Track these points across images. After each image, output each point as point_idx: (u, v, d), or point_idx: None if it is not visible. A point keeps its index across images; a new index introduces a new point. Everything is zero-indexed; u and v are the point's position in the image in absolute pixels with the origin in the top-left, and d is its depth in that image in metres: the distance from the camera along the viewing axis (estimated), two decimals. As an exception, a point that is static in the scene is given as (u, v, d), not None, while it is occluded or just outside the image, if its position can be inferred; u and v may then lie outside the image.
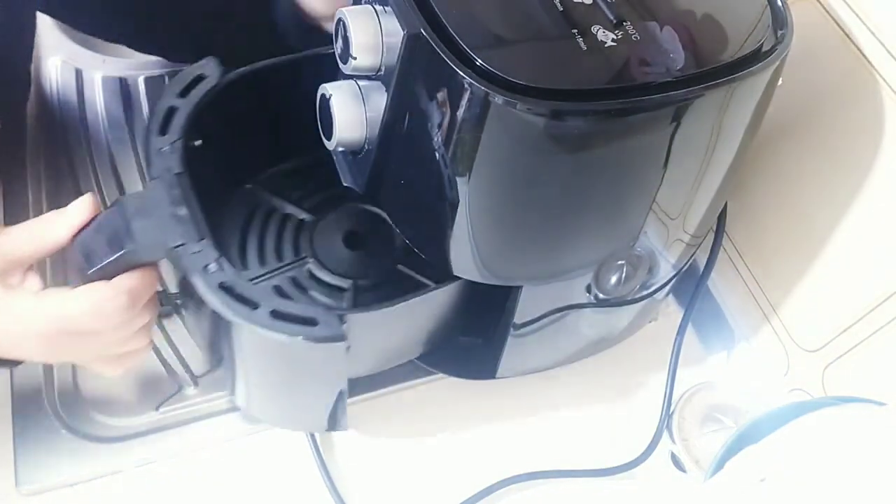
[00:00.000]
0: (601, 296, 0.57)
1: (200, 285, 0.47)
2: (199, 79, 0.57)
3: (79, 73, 0.82)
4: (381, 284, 0.63)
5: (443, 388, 0.66)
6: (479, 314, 0.60)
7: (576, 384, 0.68)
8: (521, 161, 0.45)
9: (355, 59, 0.46)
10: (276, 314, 0.47)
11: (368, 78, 0.49)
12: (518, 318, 0.56)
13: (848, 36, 0.54)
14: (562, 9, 0.44)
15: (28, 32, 0.68)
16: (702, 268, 0.65)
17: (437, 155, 0.46)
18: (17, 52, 0.69)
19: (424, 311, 0.56)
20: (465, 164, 0.45)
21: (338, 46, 0.48)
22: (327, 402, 0.57)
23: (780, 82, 0.48)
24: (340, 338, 0.48)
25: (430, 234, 0.51)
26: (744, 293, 0.68)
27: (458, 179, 0.46)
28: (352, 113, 0.49)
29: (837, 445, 0.48)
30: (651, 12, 0.45)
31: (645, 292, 0.60)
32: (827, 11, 0.55)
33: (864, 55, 0.53)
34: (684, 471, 0.64)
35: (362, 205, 0.67)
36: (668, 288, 0.62)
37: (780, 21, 0.47)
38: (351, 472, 0.61)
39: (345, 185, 0.55)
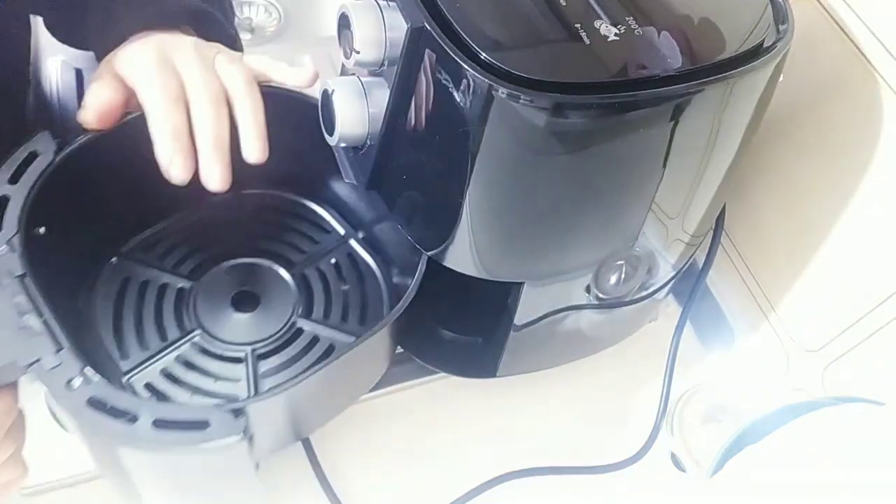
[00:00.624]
0: (601, 296, 0.57)
1: (66, 406, 0.41)
2: (32, 157, 0.50)
3: (79, 73, 0.82)
4: (282, 346, 0.58)
5: (443, 386, 0.66)
6: (480, 313, 0.60)
7: (576, 383, 0.68)
8: (524, 155, 0.45)
9: (358, 53, 0.46)
10: (161, 423, 0.41)
11: (371, 73, 0.49)
12: (518, 318, 0.56)
13: (848, 35, 0.54)
14: (565, 3, 0.44)
15: (25, 31, 0.68)
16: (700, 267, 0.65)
17: (439, 149, 0.47)
18: (15, 52, 0.69)
19: (342, 371, 0.50)
20: (467, 158, 0.45)
21: (341, 40, 0.48)
22: (248, 497, 0.52)
23: (780, 78, 0.48)
24: (239, 433, 0.42)
25: (432, 229, 0.51)
26: (743, 293, 0.68)
27: (460, 174, 0.46)
28: (354, 109, 0.49)
29: (837, 445, 0.48)
30: (653, 8, 0.46)
31: (644, 292, 0.60)
32: (826, 11, 0.56)
33: (863, 55, 0.53)
34: (684, 470, 0.64)
35: (245, 259, 0.62)
36: (667, 288, 0.62)
37: (781, 17, 0.48)
38: (350, 472, 0.61)
39: (346, 181, 0.55)
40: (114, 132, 0.53)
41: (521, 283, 0.53)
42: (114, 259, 0.60)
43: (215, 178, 0.50)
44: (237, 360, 0.57)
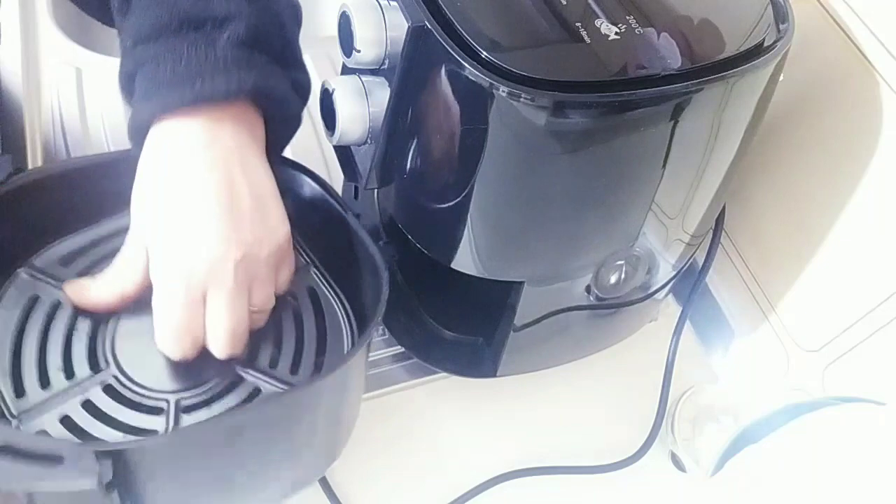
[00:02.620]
0: (601, 296, 0.57)
1: None
2: None
3: (79, 73, 0.82)
4: (215, 398, 0.47)
5: (444, 386, 0.66)
6: (480, 313, 0.60)
7: (576, 382, 0.68)
8: (525, 154, 0.45)
9: (359, 52, 0.46)
10: (7, 451, 0.36)
11: (371, 72, 0.49)
12: (518, 318, 0.56)
13: (848, 36, 0.54)
14: (565, 2, 0.44)
15: None
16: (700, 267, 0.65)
17: (440, 148, 0.47)
18: None
19: (255, 430, 0.43)
20: (468, 156, 0.45)
21: (342, 39, 0.48)
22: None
23: (780, 78, 0.48)
24: (93, 478, 0.36)
25: (432, 227, 0.51)
26: (743, 293, 0.68)
27: (460, 173, 0.46)
28: (354, 107, 0.49)
29: (837, 445, 0.48)
30: (654, 7, 0.46)
31: (644, 292, 0.60)
32: (826, 11, 0.56)
33: (863, 55, 0.53)
34: (684, 470, 0.64)
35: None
36: (667, 288, 0.62)
37: (781, 16, 0.48)
38: (350, 471, 0.61)
39: (346, 180, 0.55)
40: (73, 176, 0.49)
41: (521, 283, 0.53)
42: (22, 270, 0.50)
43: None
44: (156, 411, 0.46)
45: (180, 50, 0.44)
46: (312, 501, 0.59)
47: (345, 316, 0.54)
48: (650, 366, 0.67)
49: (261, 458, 0.46)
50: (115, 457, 0.37)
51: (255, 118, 0.47)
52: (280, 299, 0.51)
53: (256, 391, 0.48)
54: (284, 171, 0.53)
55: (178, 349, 0.46)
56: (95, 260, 0.51)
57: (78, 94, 0.80)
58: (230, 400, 0.48)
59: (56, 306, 0.49)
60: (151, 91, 0.44)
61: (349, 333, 0.54)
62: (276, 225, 0.47)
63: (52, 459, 0.36)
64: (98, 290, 0.48)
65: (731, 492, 0.50)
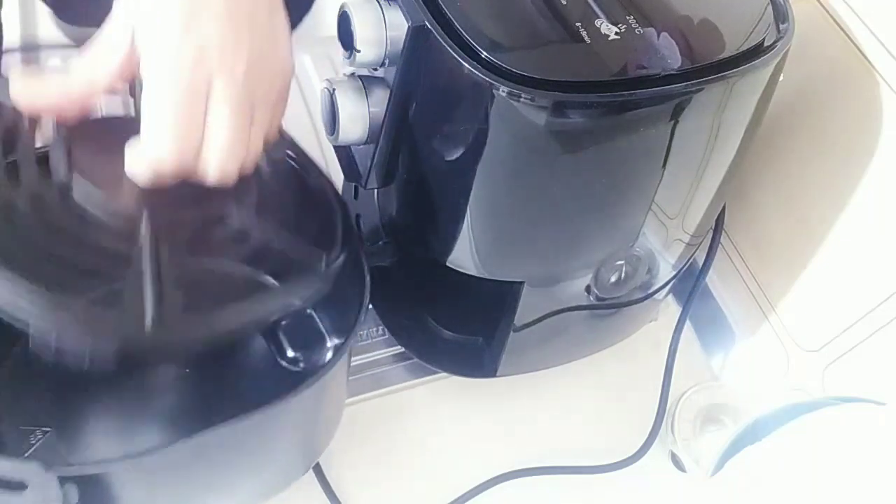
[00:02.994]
0: (601, 296, 0.57)
1: None
2: None
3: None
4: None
5: (444, 386, 0.66)
6: (480, 313, 0.60)
7: (576, 382, 0.68)
8: (525, 154, 0.45)
9: (359, 51, 0.46)
10: None
11: (371, 73, 0.49)
12: (518, 318, 0.56)
13: (848, 35, 0.54)
14: (565, 2, 0.44)
15: None
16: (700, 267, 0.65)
17: (440, 148, 0.47)
18: None
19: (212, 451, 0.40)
20: (468, 156, 0.45)
21: (342, 39, 0.48)
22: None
23: (781, 78, 0.48)
24: None
25: (432, 227, 0.51)
26: (743, 293, 0.68)
27: (460, 173, 0.46)
28: (354, 108, 0.49)
29: (837, 445, 0.48)
30: (654, 7, 0.46)
31: (644, 292, 0.60)
32: (826, 11, 0.56)
33: (863, 55, 0.53)
34: (684, 470, 0.64)
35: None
36: (667, 288, 0.62)
37: (781, 16, 0.48)
38: (349, 471, 0.61)
39: (346, 179, 0.55)
40: None
41: (521, 283, 0.53)
42: None
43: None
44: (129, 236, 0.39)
45: None
46: (312, 501, 0.59)
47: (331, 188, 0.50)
48: (650, 366, 0.67)
49: (232, 472, 0.44)
50: (81, 481, 0.35)
51: None
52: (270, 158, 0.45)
53: (244, 235, 0.43)
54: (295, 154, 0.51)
55: (174, 151, 0.38)
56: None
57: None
58: (217, 237, 0.42)
59: None
60: None
61: (338, 202, 0.49)
62: (284, 53, 0.43)
63: (14, 486, 0.34)
64: (60, 81, 0.40)
65: (731, 492, 0.50)
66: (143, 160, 0.38)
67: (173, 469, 0.40)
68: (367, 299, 0.47)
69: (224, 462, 0.42)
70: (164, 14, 0.37)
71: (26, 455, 0.41)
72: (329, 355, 0.51)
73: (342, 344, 0.44)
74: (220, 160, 0.39)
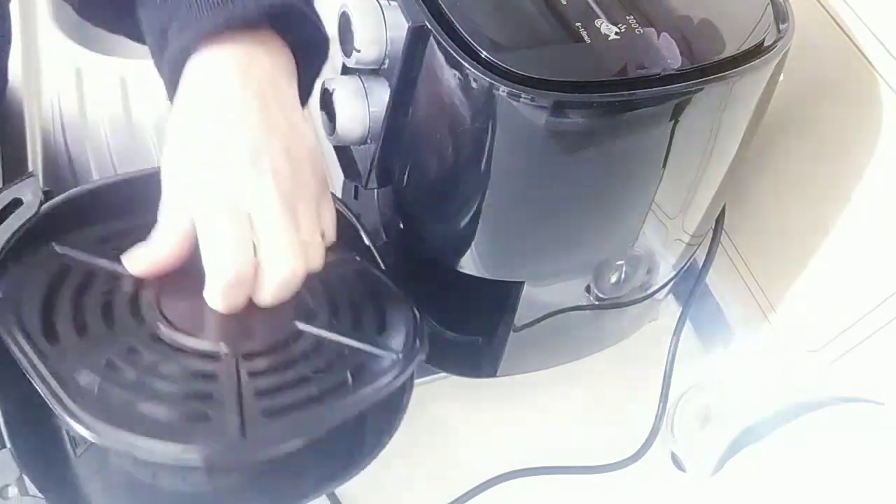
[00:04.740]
0: (601, 296, 0.57)
1: None
2: (16, 204, 0.44)
3: (79, 73, 0.82)
4: (278, 346, 0.45)
5: (444, 386, 0.66)
6: (480, 313, 0.60)
7: (576, 382, 0.68)
8: (525, 154, 0.45)
9: (359, 52, 0.46)
10: None
11: (371, 72, 0.49)
12: (518, 318, 0.56)
13: (848, 36, 0.54)
14: (565, 2, 0.44)
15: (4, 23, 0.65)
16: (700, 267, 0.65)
17: (440, 149, 0.47)
18: None
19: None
20: (468, 156, 0.45)
21: (342, 39, 0.48)
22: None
23: (780, 78, 0.48)
24: None
25: (432, 227, 0.51)
26: (743, 293, 0.68)
27: (460, 173, 0.46)
28: (354, 108, 0.49)
29: (837, 445, 0.48)
30: (654, 7, 0.46)
31: (644, 292, 0.60)
32: (826, 11, 0.56)
33: (863, 55, 0.53)
34: (684, 470, 0.64)
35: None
36: (667, 288, 0.62)
37: (781, 16, 0.48)
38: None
39: (346, 179, 0.55)
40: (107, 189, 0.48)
41: (521, 283, 0.53)
42: (55, 244, 0.46)
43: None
44: (213, 356, 0.43)
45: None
46: (311, 502, 0.59)
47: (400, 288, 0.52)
48: (650, 366, 0.67)
49: None
50: None
51: (285, 48, 0.46)
52: (326, 268, 0.47)
53: (318, 343, 0.46)
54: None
55: (232, 268, 0.41)
56: (133, 241, 0.46)
57: (78, 94, 0.80)
58: (291, 351, 0.45)
59: (90, 275, 0.45)
60: (184, 26, 0.43)
61: (407, 302, 0.51)
62: (312, 153, 0.45)
63: None
64: (146, 252, 0.44)
65: (731, 492, 0.50)
66: (213, 291, 0.42)
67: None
68: (409, 395, 0.49)
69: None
70: (191, 175, 0.42)
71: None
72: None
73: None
74: (276, 269, 0.42)
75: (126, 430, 0.38)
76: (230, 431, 0.39)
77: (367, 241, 0.52)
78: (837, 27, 0.55)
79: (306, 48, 0.47)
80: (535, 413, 0.66)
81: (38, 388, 0.37)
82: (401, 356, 0.47)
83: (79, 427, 0.37)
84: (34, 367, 0.39)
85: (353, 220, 0.53)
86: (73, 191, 0.47)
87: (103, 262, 0.45)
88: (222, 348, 0.43)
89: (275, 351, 0.44)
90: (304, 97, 0.48)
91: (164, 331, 0.43)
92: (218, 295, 0.42)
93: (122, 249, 0.45)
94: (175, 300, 0.44)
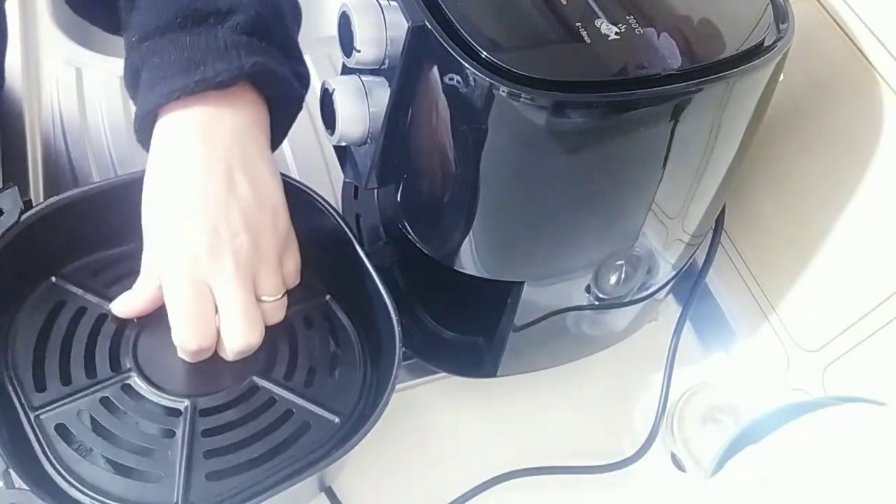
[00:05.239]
0: (601, 296, 0.57)
1: None
2: None
3: (79, 73, 0.82)
4: (232, 403, 0.50)
5: (444, 386, 0.66)
6: (480, 313, 0.60)
7: (576, 383, 0.68)
8: (525, 154, 0.45)
9: (359, 52, 0.46)
10: None
11: (371, 72, 0.49)
12: (518, 318, 0.56)
13: (848, 35, 0.54)
14: (565, 2, 0.44)
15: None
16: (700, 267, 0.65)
17: (440, 148, 0.47)
18: None
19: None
20: (468, 157, 0.45)
21: (342, 39, 0.48)
22: None
23: (781, 77, 0.48)
24: None
25: (432, 228, 0.51)
26: (743, 293, 0.68)
27: (460, 173, 0.46)
28: (354, 107, 0.49)
29: (837, 445, 0.48)
30: (654, 7, 0.46)
31: (644, 293, 0.60)
32: (826, 11, 0.56)
33: (863, 55, 0.53)
34: (684, 470, 0.64)
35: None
36: (667, 288, 0.62)
37: (781, 16, 0.48)
38: (349, 471, 0.61)
39: (346, 179, 0.55)
40: (85, 198, 0.52)
41: (521, 283, 0.53)
42: (53, 278, 0.53)
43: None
44: (174, 412, 0.49)
45: (183, 41, 0.46)
46: (311, 502, 0.59)
47: (358, 343, 0.57)
48: (650, 366, 0.67)
49: None
50: None
51: (257, 100, 0.48)
52: (294, 315, 0.53)
53: (272, 401, 0.51)
54: (305, 201, 0.55)
55: (193, 341, 0.46)
56: (125, 272, 0.53)
57: (78, 94, 0.80)
58: (245, 407, 0.50)
59: (81, 312, 0.51)
60: (156, 80, 0.46)
61: (362, 360, 0.56)
62: (275, 212, 0.49)
63: None
64: (128, 300, 0.50)
65: (731, 492, 0.50)
66: (180, 353, 0.48)
67: None
68: (394, 379, 0.51)
69: None
70: (158, 239, 0.47)
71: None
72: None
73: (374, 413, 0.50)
74: (235, 333, 0.47)
75: (68, 485, 0.44)
76: (170, 498, 0.45)
77: (361, 254, 0.54)
78: (837, 27, 0.55)
79: (279, 102, 0.50)
80: (535, 413, 0.66)
81: None
82: (342, 420, 0.52)
83: (18, 477, 0.42)
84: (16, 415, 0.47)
85: (343, 223, 0.56)
86: (51, 202, 0.51)
87: (94, 299, 0.52)
88: (184, 404, 0.49)
89: (232, 406, 0.50)
90: (276, 143, 0.52)
91: (136, 381, 0.49)
92: (185, 356, 0.48)
93: (113, 282, 0.53)
94: (150, 349, 0.50)
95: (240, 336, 0.47)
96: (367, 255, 0.54)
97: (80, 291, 0.52)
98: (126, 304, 0.50)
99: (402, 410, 0.65)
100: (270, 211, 0.48)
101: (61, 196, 0.51)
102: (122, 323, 0.51)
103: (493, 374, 0.62)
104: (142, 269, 0.49)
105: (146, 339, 0.50)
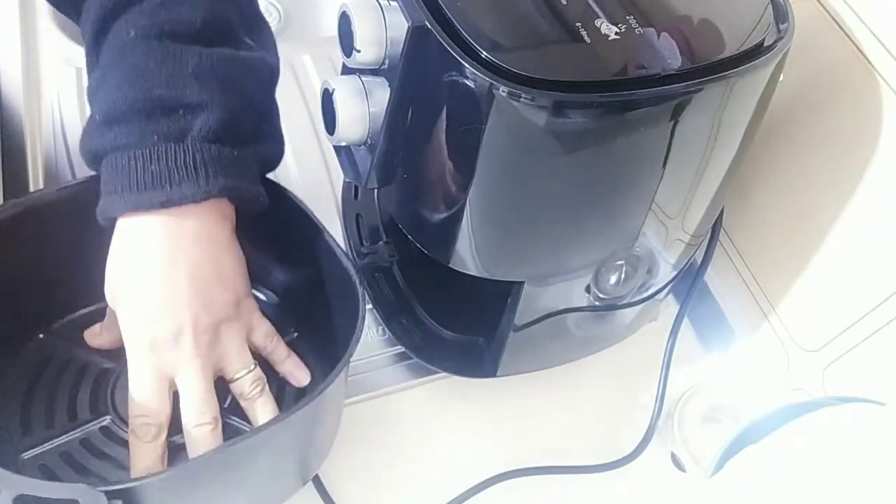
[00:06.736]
0: (601, 296, 0.57)
1: None
2: None
3: (79, 73, 0.82)
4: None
5: (443, 386, 0.66)
6: (480, 313, 0.60)
7: (576, 383, 0.68)
8: (525, 154, 0.45)
9: (359, 52, 0.46)
10: (22, 500, 0.39)
11: (371, 72, 0.49)
12: (518, 318, 0.56)
13: (848, 35, 0.54)
14: (565, 2, 0.44)
15: None
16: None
17: (440, 148, 0.47)
18: None
19: (240, 461, 0.47)
20: (468, 157, 0.45)
21: (342, 39, 0.48)
22: None
23: (781, 77, 0.48)
24: None
25: (432, 227, 0.51)
26: (743, 292, 0.68)
27: (460, 173, 0.46)
28: (354, 108, 0.49)
29: (837, 445, 0.48)
30: (654, 7, 0.46)
31: (644, 294, 0.60)
32: (826, 11, 0.56)
33: (863, 55, 0.53)
34: (684, 470, 0.64)
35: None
36: (667, 289, 0.62)
37: (781, 16, 0.48)
38: (347, 471, 0.61)
39: (346, 179, 0.55)
40: (54, 203, 0.53)
41: (521, 283, 0.53)
42: (41, 335, 0.57)
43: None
44: None
45: (150, 142, 0.45)
46: (310, 502, 0.59)
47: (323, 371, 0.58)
48: (650, 366, 0.67)
49: (232, 491, 0.50)
50: (125, 496, 0.41)
51: (223, 202, 0.49)
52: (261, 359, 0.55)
53: (238, 432, 0.53)
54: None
55: (152, 410, 0.49)
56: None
57: (78, 94, 0.80)
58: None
59: (66, 363, 0.56)
60: (123, 187, 0.46)
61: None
62: (238, 303, 0.51)
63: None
64: (99, 336, 0.56)
65: (731, 492, 0.50)
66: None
67: (205, 479, 0.46)
68: (361, 323, 0.50)
69: (226, 482, 0.48)
70: (122, 324, 0.49)
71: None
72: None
73: (336, 366, 0.48)
74: (193, 426, 0.49)
75: None
76: None
77: (347, 268, 0.54)
78: (837, 27, 0.55)
79: (246, 208, 0.51)
80: (535, 413, 0.66)
81: None
82: None
83: None
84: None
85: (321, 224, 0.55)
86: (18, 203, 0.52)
87: (81, 353, 0.56)
88: None
89: None
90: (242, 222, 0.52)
91: (113, 424, 0.53)
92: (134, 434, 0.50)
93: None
94: (126, 394, 0.51)
95: (199, 434, 0.49)
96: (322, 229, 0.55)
97: (66, 345, 0.57)
98: (97, 339, 0.56)
99: (401, 410, 0.65)
100: (234, 303, 0.50)
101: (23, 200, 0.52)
102: (104, 373, 0.55)
103: (493, 374, 0.62)
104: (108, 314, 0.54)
105: (123, 385, 0.52)
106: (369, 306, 0.68)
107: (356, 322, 0.50)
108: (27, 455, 0.51)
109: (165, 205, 0.46)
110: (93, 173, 0.50)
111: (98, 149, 0.47)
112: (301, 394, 0.57)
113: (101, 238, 0.48)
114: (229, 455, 0.45)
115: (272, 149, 0.53)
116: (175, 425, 0.50)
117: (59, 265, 0.55)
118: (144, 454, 0.49)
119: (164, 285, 0.47)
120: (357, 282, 0.52)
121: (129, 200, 0.46)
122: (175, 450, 0.51)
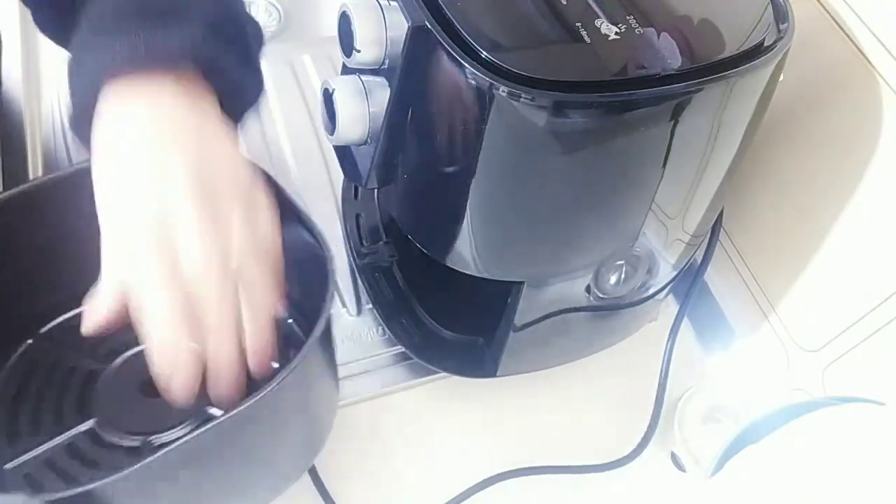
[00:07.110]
0: (601, 296, 0.57)
1: None
2: None
3: (79, 73, 0.82)
4: (186, 435, 0.46)
5: (444, 386, 0.66)
6: (480, 313, 0.60)
7: (576, 382, 0.68)
8: (525, 154, 0.45)
9: (359, 52, 0.46)
10: None
11: (371, 72, 0.49)
12: (518, 318, 0.56)
13: (848, 35, 0.54)
14: (565, 2, 0.44)
15: None
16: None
17: (440, 148, 0.47)
18: None
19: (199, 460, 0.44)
20: (468, 157, 0.45)
21: (342, 39, 0.48)
22: None
23: (781, 77, 0.48)
24: None
25: (432, 228, 0.51)
26: (743, 292, 0.68)
27: (460, 173, 0.46)
28: (354, 108, 0.49)
29: (837, 445, 0.48)
30: (654, 7, 0.46)
31: (644, 294, 0.60)
32: (826, 11, 0.56)
33: (863, 55, 0.53)
34: (684, 470, 0.64)
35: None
36: (667, 289, 0.62)
37: (781, 16, 0.48)
38: (347, 471, 0.61)
39: (346, 179, 0.55)
40: (44, 191, 0.50)
41: (521, 283, 0.53)
42: (30, 340, 0.56)
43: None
44: (133, 451, 0.50)
45: (129, 28, 0.42)
46: (308, 502, 0.59)
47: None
48: (650, 366, 0.67)
49: (223, 478, 0.47)
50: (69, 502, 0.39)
51: (202, 87, 0.44)
52: None
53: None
54: None
55: (175, 334, 0.41)
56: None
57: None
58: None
59: (54, 366, 0.55)
60: (97, 61, 0.43)
61: None
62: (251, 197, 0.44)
63: None
64: (89, 318, 0.45)
65: (731, 492, 0.50)
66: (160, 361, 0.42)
67: (165, 479, 0.43)
68: (331, 286, 0.46)
69: (215, 467, 0.45)
70: (131, 247, 0.41)
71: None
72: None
73: (312, 331, 0.44)
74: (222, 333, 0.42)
75: None
76: None
77: (329, 270, 0.50)
78: (837, 27, 0.55)
79: (230, 98, 0.46)
80: (535, 413, 0.66)
81: None
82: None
83: None
84: None
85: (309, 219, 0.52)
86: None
87: (69, 356, 0.55)
88: (143, 443, 0.50)
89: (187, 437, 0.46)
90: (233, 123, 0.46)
91: (100, 427, 0.51)
92: (165, 377, 0.42)
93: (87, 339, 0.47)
94: (112, 396, 0.52)
95: (223, 355, 0.43)
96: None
97: (54, 348, 0.55)
98: (87, 322, 0.45)
99: (401, 410, 0.65)
100: (245, 197, 0.44)
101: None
102: (91, 375, 0.53)
103: (492, 374, 0.62)
104: (102, 281, 0.44)
105: (108, 384, 0.52)
106: (369, 306, 0.68)
107: (327, 280, 0.47)
108: (10, 465, 0.50)
109: (133, 61, 0.41)
110: (75, 168, 0.48)
111: (84, 42, 0.44)
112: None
113: (88, 237, 0.44)
114: (199, 444, 0.42)
115: (253, 75, 0.48)
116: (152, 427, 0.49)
117: (45, 265, 0.53)
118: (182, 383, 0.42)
119: (151, 152, 0.42)
120: (321, 243, 0.48)
121: (107, 56, 0.42)
122: (134, 452, 0.49)
